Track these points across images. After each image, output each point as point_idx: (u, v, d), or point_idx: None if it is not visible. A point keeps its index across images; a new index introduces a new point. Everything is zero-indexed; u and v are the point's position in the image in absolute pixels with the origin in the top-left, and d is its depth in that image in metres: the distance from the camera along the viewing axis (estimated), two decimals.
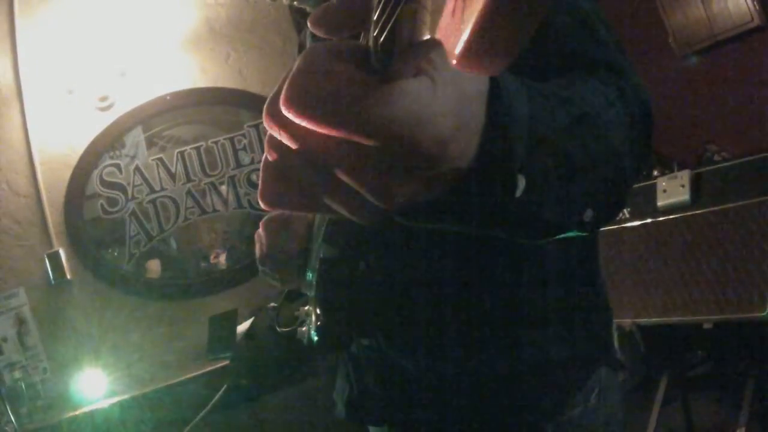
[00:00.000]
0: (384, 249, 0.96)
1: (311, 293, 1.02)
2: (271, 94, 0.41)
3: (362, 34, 0.43)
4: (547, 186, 0.51)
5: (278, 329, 1.21)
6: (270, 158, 0.43)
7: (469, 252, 0.92)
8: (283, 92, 0.38)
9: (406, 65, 0.38)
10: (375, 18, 0.39)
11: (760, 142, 2.97)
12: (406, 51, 0.39)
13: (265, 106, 0.41)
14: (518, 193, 0.48)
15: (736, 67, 3.54)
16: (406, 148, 0.38)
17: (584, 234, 0.60)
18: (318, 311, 0.97)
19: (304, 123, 0.38)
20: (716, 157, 3.42)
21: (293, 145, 0.40)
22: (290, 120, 0.39)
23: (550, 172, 0.51)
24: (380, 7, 0.38)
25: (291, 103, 0.38)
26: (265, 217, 1.14)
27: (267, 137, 0.43)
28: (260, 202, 0.45)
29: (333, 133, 0.37)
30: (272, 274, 1.14)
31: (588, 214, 0.58)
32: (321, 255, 0.96)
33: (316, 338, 0.98)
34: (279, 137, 0.41)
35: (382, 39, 0.38)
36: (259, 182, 0.45)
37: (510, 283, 0.93)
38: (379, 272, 0.96)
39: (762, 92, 3.41)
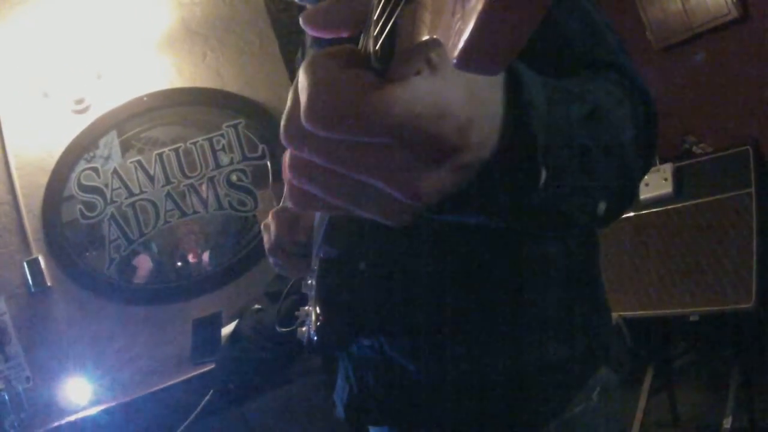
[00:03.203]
0: (384, 249, 0.96)
1: (311, 293, 1.02)
2: (285, 115, 0.41)
3: (361, 35, 0.43)
4: (565, 177, 0.52)
5: (278, 329, 1.20)
6: (296, 182, 0.44)
7: (471, 252, 0.92)
8: (305, 110, 0.38)
9: (406, 65, 0.38)
10: (375, 17, 0.39)
11: (738, 134, 3.01)
12: (406, 51, 0.39)
13: (282, 127, 0.41)
14: (540, 182, 0.49)
15: (713, 60, 3.58)
16: (430, 140, 0.38)
17: (594, 227, 0.61)
18: (318, 311, 0.97)
19: (329, 134, 0.38)
20: (695, 149, 3.45)
21: (319, 160, 0.41)
22: (312, 135, 0.39)
23: (568, 164, 0.52)
24: (380, 6, 0.38)
25: (313, 118, 0.38)
26: (276, 208, 1.12)
27: (289, 160, 0.44)
28: (293, 207, 0.46)
29: (359, 138, 0.38)
30: (281, 265, 1.12)
31: (601, 207, 0.59)
32: (321, 255, 0.95)
33: (316, 338, 0.97)
34: (301, 154, 0.41)
35: (381, 39, 0.38)
36: (287, 191, 0.45)
37: (512, 283, 0.94)
38: (380, 272, 0.96)
39: (739, 84, 3.44)
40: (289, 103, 0.41)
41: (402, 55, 0.39)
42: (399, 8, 0.36)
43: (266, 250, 1.12)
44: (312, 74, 0.39)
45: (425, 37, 0.38)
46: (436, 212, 0.48)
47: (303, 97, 0.38)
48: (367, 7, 0.42)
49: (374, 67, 0.39)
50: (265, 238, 1.12)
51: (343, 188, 0.42)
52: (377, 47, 0.39)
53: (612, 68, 0.73)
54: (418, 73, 0.38)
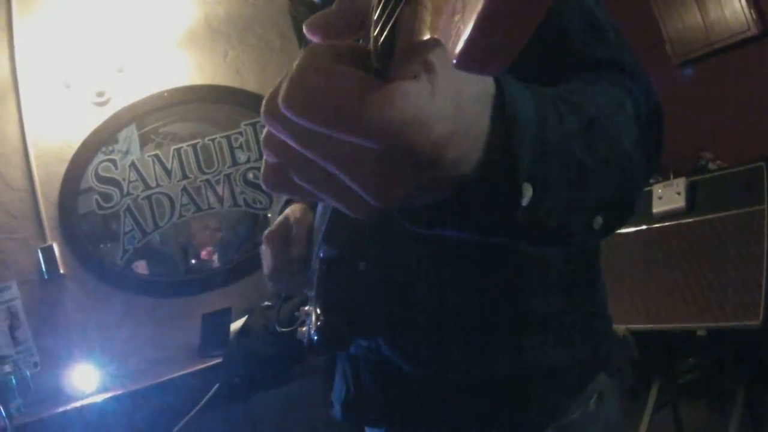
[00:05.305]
0: (384, 249, 0.95)
1: (311, 293, 1.02)
2: (270, 91, 0.41)
3: (362, 38, 0.42)
4: (556, 194, 0.50)
5: (278, 329, 1.20)
6: (267, 158, 0.44)
7: (472, 254, 0.91)
8: (283, 91, 0.38)
9: (405, 66, 0.38)
10: (375, 17, 0.39)
11: (754, 151, 2.98)
12: (406, 51, 0.38)
13: (263, 103, 0.41)
14: (525, 201, 0.47)
15: (731, 76, 3.55)
16: (403, 150, 0.38)
17: (591, 241, 0.59)
18: (318, 311, 0.97)
19: (302, 122, 0.38)
20: (711, 165, 3.43)
21: (291, 143, 0.40)
22: (288, 118, 0.38)
23: (560, 180, 0.50)
24: (380, 6, 0.38)
25: (289, 103, 0.37)
26: (265, 233, 1.11)
27: (264, 135, 0.43)
28: (263, 185, 0.46)
29: (330, 132, 0.37)
30: (283, 287, 1.12)
31: (597, 222, 0.56)
32: (321, 254, 0.96)
33: (316, 338, 0.97)
34: (277, 134, 0.41)
35: (382, 39, 0.38)
36: (261, 168, 0.45)
37: (512, 286, 0.93)
38: (380, 272, 0.95)
39: (757, 101, 3.41)
40: (279, 81, 0.40)
41: (401, 56, 0.38)
42: (399, 8, 0.36)
43: (266, 277, 1.11)
44: (303, 58, 0.38)
45: (425, 37, 0.38)
46: (410, 222, 0.47)
47: (286, 80, 0.38)
48: (365, 16, 0.42)
49: (374, 67, 0.39)
50: (264, 265, 1.11)
51: (312, 174, 0.42)
52: (377, 47, 0.39)
53: (614, 66, 0.72)
54: (416, 74, 0.37)
